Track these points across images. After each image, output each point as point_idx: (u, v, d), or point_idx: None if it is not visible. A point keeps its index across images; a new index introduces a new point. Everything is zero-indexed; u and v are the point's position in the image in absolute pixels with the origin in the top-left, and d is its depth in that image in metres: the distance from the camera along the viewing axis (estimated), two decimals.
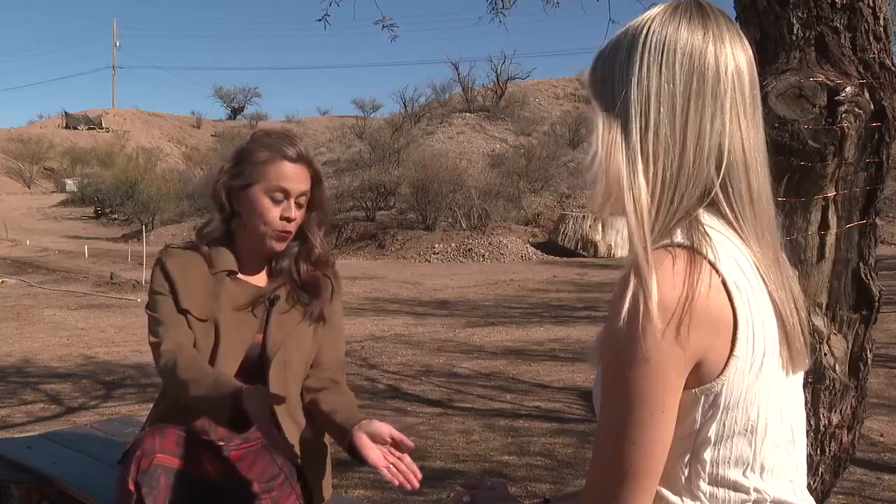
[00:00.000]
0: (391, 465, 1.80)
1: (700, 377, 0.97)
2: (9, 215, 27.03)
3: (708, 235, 0.99)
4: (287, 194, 1.98)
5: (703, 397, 0.98)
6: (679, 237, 1.00)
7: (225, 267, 2.04)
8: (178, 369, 1.88)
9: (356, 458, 1.85)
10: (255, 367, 2.00)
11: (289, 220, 1.98)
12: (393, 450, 1.83)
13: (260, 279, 2.08)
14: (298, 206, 2.01)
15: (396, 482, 1.78)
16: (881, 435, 4.82)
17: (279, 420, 1.98)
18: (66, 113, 58.97)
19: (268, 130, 2.14)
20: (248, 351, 2.01)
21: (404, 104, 33.47)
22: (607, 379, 0.97)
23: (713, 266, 0.97)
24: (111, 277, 13.81)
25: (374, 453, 1.81)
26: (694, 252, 0.97)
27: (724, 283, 0.97)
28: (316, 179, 2.05)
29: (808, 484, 1.13)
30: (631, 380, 0.94)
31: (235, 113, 66.69)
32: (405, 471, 1.80)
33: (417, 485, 1.79)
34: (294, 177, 1.99)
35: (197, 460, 1.89)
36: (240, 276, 2.06)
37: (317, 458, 2.08)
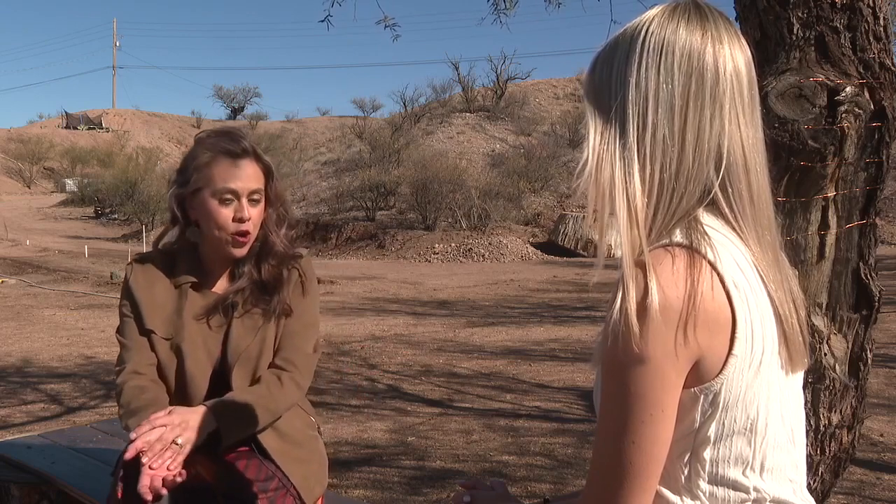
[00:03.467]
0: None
1: (699, 376, 0.97)
2: (9, 215, 27.03)
3: (707, 235, 1.00)
4: (236, 194, 1.89)
5: (702, 396, 0.98)
6: (678, 237, 1.00)
7: (188, 279, 1.99)
8: (121, 400, 1.91)
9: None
10: (222, 376, 1.96)
11: (242, 220, 1.89)
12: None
13: (224, 285, 2.01)
14: (253, 203, 1.92)
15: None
16: (881, 435, 4.82)
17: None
18: (66, 113, 59.03)
19: (211, 130, 2.03)
20: (215, 364, 1.97)
21: (404, 104, 33.48)
22: (607, 379, 0.98)
23: (712, 265, 0.97)
24: (111, 277, 13.80)
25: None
26: (693, 251, 0.98)
27: (722, 282, 0.97)
28: (267, 174, 1.96)
29: (808, 484, 1.13)
30: (630, 379, 0.94)
31: (235, 113, 66.77)
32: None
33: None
34: (241, 175, 1.90)
35: (190, 464, 1.88)
36: (203, 285, 2.00)
37: (304, 455, 2.04)
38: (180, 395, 1.94)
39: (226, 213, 1.89)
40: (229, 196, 1.89)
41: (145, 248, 15.38)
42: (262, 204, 1.95)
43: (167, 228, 2.05)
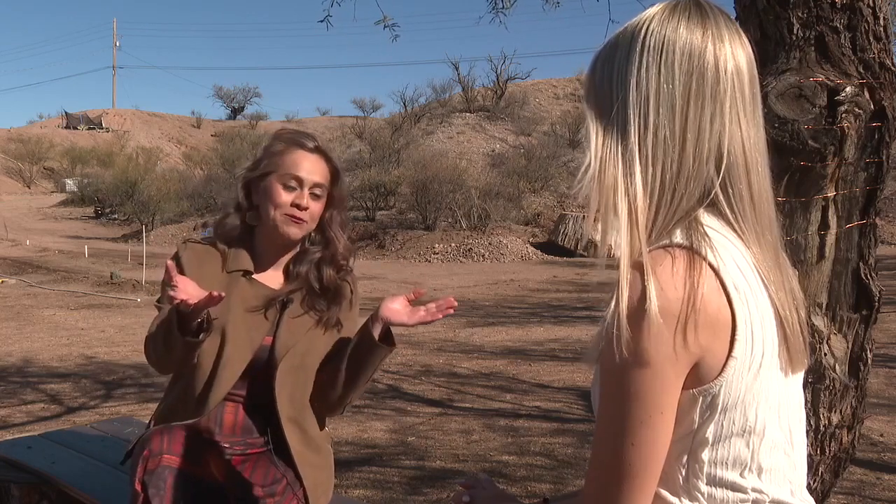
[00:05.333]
0: (428, 309, 1.94)
1: (698, 378, 0.97)
2: (9, 215, 27.03)
3: (707, 236, 0.99)
4: (300, 182, 1.97)
5: (701, 398, 0.97)
6: (678, 238, 1.00)
7: (240, 267, 2.02)
8: (147, 335, 1.91)
9: (389, 340, 1.99)
10: (263, 369, 1.98)
11: (299, 206, 1.97)
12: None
13: (276, 281, 2.06)
14: (314, 197, 2.00)
15: (442, 315, 1.94)
16: (881, 435, 4.82)
17: (282, 424, 1.97)
18: (66, 113, 58.99)
19: (290, 128, 2.17)
20: (257, 353, 1.98)
21: (404, 104, 33.51)
22: (605, 380, 0.97)
23: (712, 267, 0.97)
24: (111, 277, 13.80)
25: (407, 316, 1.96)
26: (693, 252, 0.97)
27: (722, 284, 0.96)
28: (334, 175, 2.05)
29: (808, 484, 1.13)
30: (629, 381, 0.94)
31: (235, 113, 66.72)
32: (441, 305, 1.93)
33: (456, 304, 1.95)
34: (308, 166, 1.99)
35: (202, 462, 1.89)
36: (255, 277, 2.03)
37: (320, 462, 2.07)
38: (211, 378, 1.94)
39: (286, 196, 1.97)
40: (293, 182, 1.98)
41: (145, 248, 15.39)
42: (323, 201, 2.03)
43: (227, 213, 2.09)
